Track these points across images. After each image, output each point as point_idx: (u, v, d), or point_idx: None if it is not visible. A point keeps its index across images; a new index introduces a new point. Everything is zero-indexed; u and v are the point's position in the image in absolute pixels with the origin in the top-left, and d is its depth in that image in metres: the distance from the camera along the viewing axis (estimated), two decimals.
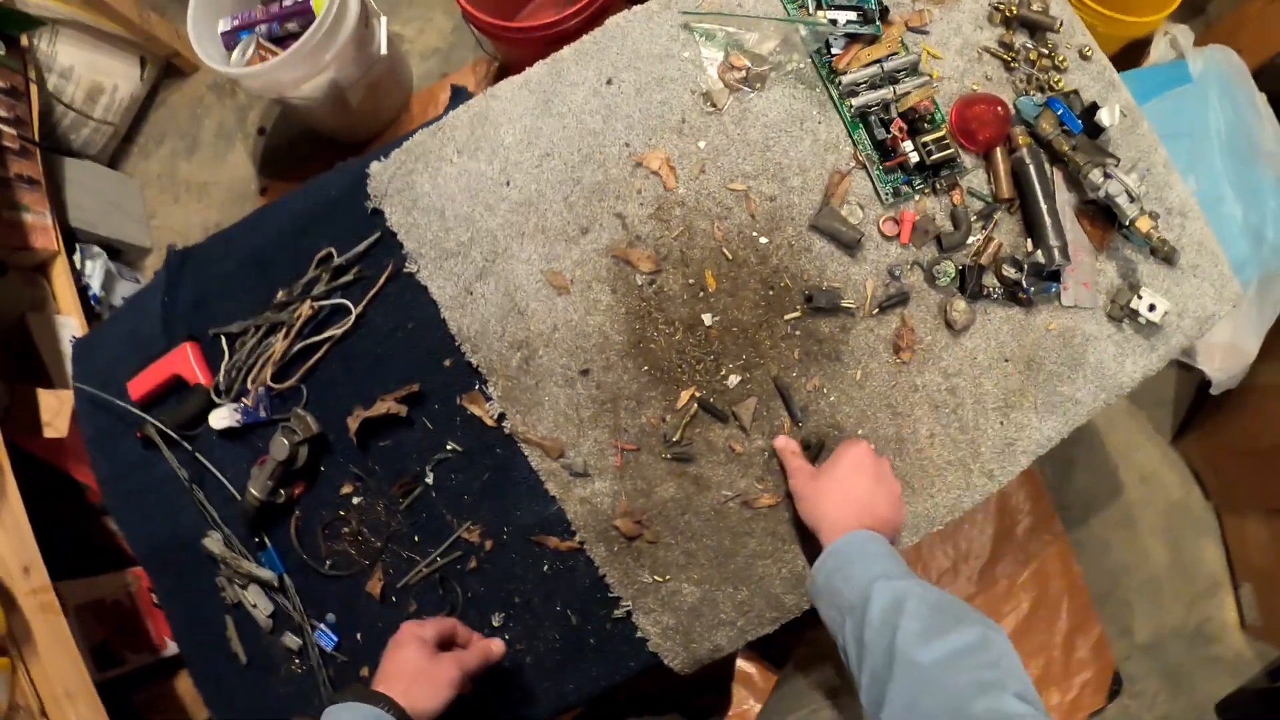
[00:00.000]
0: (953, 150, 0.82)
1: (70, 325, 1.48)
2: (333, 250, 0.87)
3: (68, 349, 1.43)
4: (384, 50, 1.51)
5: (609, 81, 0.84)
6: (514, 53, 1.50)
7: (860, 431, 0.82)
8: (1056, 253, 0.80)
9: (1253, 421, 1.43)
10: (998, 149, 0.82)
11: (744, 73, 0.83)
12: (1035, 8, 0.85)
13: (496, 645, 0.76)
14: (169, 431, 0.89)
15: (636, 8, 0.86)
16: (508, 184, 0.84)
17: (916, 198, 0.83)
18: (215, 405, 0.89)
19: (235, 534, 0.89)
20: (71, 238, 1.60)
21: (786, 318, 0.82)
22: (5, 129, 1.44)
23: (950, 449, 0.82)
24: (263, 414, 0.88)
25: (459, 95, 0.90)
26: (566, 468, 0.83)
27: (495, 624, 0.85)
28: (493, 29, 1.37)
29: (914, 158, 0.81)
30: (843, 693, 0.90)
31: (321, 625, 0.88)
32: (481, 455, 0.85)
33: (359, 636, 0.88)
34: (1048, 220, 0.81)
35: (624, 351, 0.83)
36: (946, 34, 0.85)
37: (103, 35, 1.64)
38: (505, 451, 0.84)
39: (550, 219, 0.84)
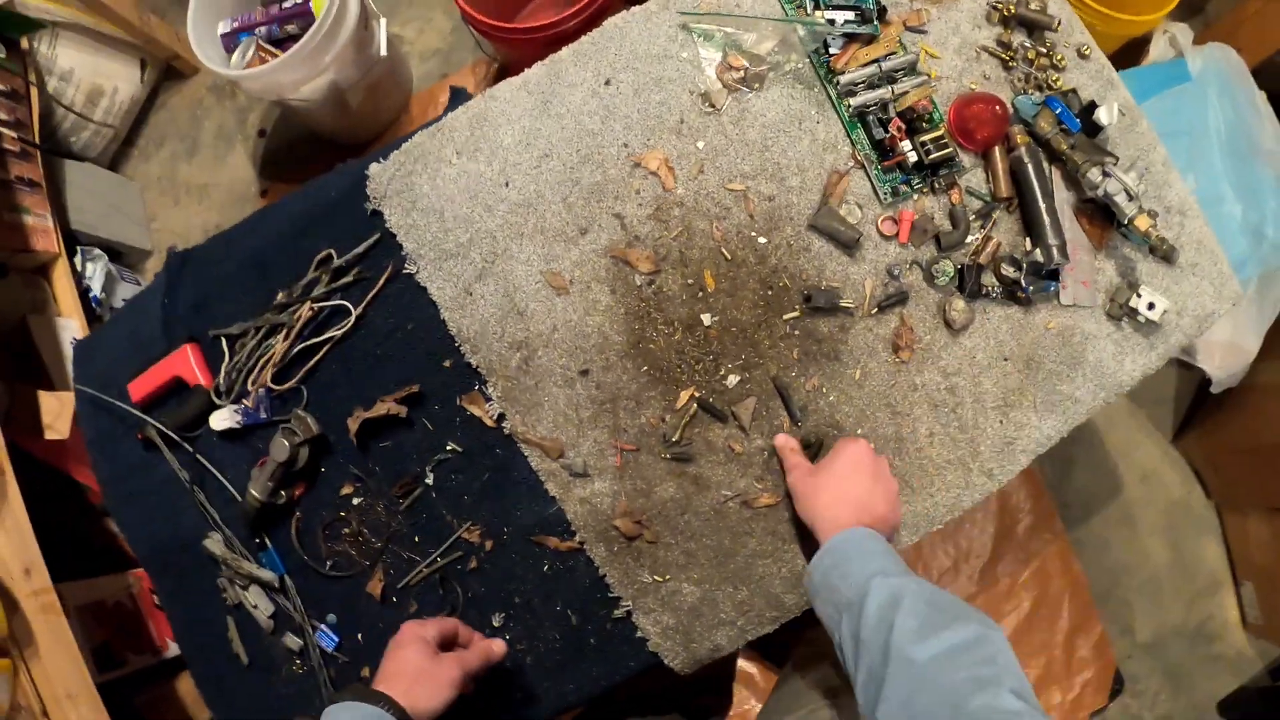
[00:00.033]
0: (951, 149, 0.82)
1: (71, 327, 1.48)
2: (332, 252, 0.88)
3: (68, 351, 1.43)
4: (384, 52, 1.51)
5: (607, 82, 0.84)
6: (513, 54, 1.50)
7: (860, 431, 0.83)
8: (1055, 251, 0.80)
9: (1253, 420, 1.43)
10: (996, 148, 0.82)
11: (742, 73, 0.83)
12: (1033, 6, 0.85)
13: (498, 645, 0.76)
14: (170, 433, 0.90)
15: (635, 9, 0.86)
16: (507, 185, 0.84)
17: (915, 197, 0.83)
18: (216, 407, 0.89)
19: (236, 535, 0.89)
20: (72, 240, 1.60)
21: (785, 317, 0.82)
22: (6, 132, 1.45)
23: (949, 448, 0.83)
24: (263, 415, 0.88)
25: (458, 96, 0.90)
26: (566, 468, 0.83)
27: (496, 624, 0.85)
28: (492, 30, 1.37)
29: (912, 157, 0.81)
30: (842, 692, 0.90)
31: (322, 626, 0.88)
32: (481, 456, 0.85)
33: (360, 637, 0.88)
34: (1046, 219, 0.80)
35: (623, 352, 0.83)
36: (944, 33, 0.85)
37: (103, 38, 1.65)
38: (505, 452, 0.85)
39: (549, 220, 0.84)
